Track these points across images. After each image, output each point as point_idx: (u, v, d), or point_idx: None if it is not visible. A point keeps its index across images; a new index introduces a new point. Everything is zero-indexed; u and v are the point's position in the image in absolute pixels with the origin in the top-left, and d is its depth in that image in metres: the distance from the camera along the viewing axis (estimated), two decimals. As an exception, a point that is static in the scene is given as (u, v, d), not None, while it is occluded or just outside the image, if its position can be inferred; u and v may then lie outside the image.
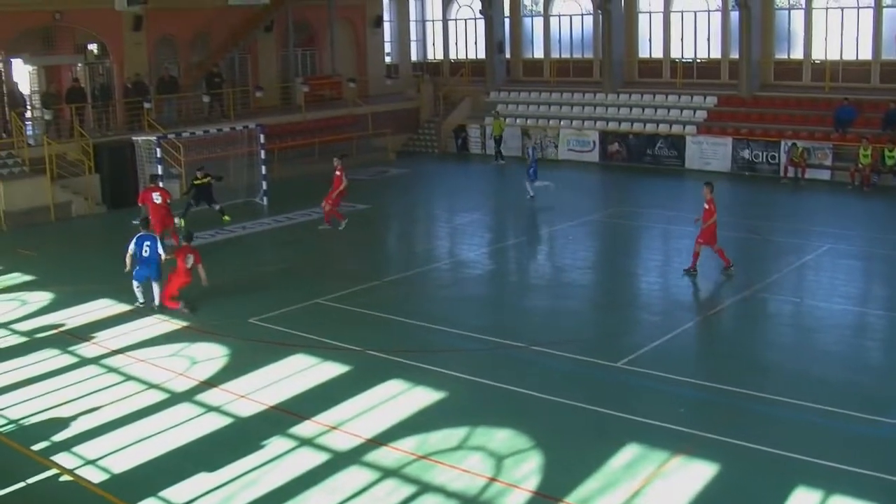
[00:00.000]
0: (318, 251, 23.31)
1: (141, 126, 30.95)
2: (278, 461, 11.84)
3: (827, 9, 33.84)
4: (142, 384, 14.50)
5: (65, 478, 11.65)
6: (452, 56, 45.64)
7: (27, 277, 20.97)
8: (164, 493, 11.07)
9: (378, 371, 14.62)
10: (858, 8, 33.11)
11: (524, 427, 12.47)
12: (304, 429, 12.70)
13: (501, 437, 12.23)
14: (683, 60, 37.33)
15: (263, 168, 28.90)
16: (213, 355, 15.66)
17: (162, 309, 17.94)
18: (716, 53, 36.60)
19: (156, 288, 18.08)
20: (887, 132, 29.61)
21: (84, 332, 17.00)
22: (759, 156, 31.58)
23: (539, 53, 41.98)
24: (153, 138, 26.76)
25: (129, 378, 14.78)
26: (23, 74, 34.19)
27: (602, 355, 15.07)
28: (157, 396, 14.02)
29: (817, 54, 34.18)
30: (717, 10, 36.50)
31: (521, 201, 27.90)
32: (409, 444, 12.12)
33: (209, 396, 13.94)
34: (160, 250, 17.92)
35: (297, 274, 20.89)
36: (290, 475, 11.43)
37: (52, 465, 11.96)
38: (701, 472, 11.15)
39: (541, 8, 41.79)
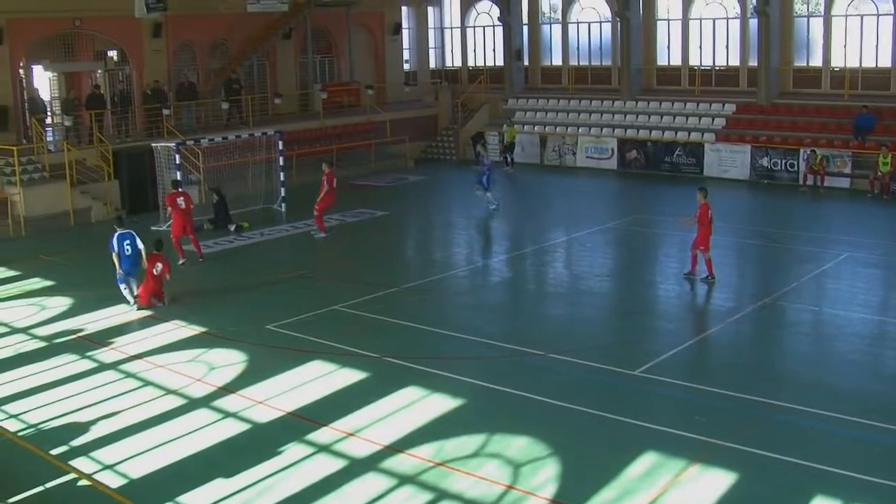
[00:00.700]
0: (336, 258, 23.36)
1: (160, 132, 31.16)
2: (295, 467, 11.85)
3: (846, 16, 33.73)
4: (160, 389, 14.58)
5: (83, 482, 11.71)
6: (471, 63, 45.61)
7: (47, 282, 21.11)
8: (182, 498, 11.12)
9: (395, 378, 14.63)
10: (878, 15, 32.99)
11: (541, 435, 12.44)
12: (322, 435, 12.72)
13: (518, 445, 12.20)
14: (702, 68, 37.23)
15: (282, 175, 29.09)
16: (231, 361, 15.72)
17: (140, 307, 18.46)
18: (734, 61, 36.52)
19: (133, 285, 18.60)
20: (907, 140, 29.47)
21: (103, 338, 17.11)
22: (778, 163, 31.41)
23: (557, 61, 41.92)
24: (172, 145, 26.93)
25: (147, 383, 14.86)
26: (43, 81, 34.52)
27: (620, 363, 15.03)
28: (174, 402, 14.09)
29: (836, 62, 34.06)
30: (735, 18, 36.38)
31: (536, 208, 27.85)
32: (426, 452, 12.11)
33: (227, 402, 13.99)
34: (140, 245, 18.48)
35: (315, 280, 20.93)
36: (306, 482, 11.45)
37: (70, 469, 12.03)
38: (718, 481, 11.09)
39: (559, 15, 41.77)
